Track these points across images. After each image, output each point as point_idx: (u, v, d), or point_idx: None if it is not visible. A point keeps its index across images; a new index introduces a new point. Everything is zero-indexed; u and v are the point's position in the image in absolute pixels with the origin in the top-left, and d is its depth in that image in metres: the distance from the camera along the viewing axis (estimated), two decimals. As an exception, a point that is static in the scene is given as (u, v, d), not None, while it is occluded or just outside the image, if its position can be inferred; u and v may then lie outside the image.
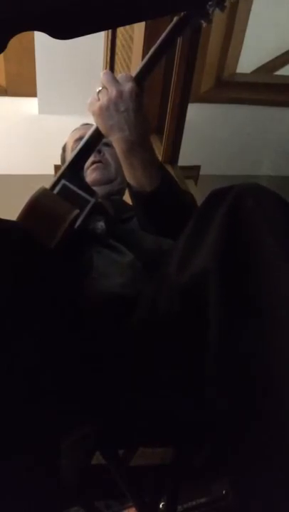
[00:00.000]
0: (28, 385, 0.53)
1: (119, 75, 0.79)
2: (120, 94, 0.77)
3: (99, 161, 1.04)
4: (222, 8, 0.78)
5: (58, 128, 1.21)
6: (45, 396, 0.55)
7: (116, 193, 1.06)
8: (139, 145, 0.79)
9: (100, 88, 0.79)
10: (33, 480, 0.53)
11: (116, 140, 0.79)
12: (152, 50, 0.81)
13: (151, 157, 0.82)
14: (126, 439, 0.73)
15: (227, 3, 0.78)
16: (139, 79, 0.80)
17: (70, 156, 1.07)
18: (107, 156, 1.05)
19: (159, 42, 0.80)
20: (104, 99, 0.78)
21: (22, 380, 0.53)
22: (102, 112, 0.78)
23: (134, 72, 0.81)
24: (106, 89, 0.78)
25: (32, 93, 2.63)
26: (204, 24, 0.80)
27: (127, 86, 0.78)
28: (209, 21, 0.79)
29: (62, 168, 0.84)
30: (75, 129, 1.16)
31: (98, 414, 0.66)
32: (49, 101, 2.58)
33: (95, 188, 0.91)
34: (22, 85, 2.72)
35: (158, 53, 0.81)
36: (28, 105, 2.65)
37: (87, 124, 1.17)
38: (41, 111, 2.63)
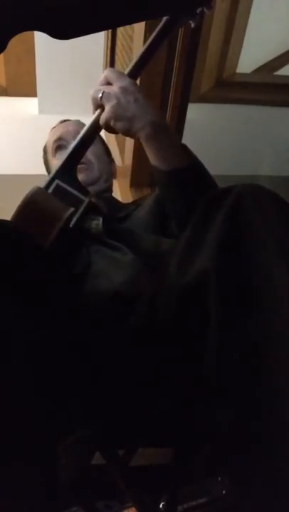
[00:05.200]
0: (28, 386, 0.53)
1: (109, 75, 0.80)
2: (123, 89, 0.78)
3: (81, 163, 1.03)
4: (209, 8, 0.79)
5: (58, 128, 1.22)
6: (45, 396, 0.55)
7: (104, 192, 1.06)
8: (163, 125, 0.80)
9: (100, 94, 0.79)
10: (33, 480, 0.53)
11: (140, 128, 0.78)
12: (144, 47, 0.82)
13: (175, 136, 0.82)
14: (126, 439, 0.73)
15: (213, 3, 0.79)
16: (132, 76, 0.81)
17: (50, 157, 1.09)
18: (90, 156, 1.04)
19: (149, 41, 0.82)
20: (111, 99, 0.77)
21: (22, 380, 0.53)
22: (116, 111, 0.77)
23: (126, 70, 0.83)
24: (104, 91, 0.78)
25: (32, 93, 2.63)
26: (192, 24, 0.82)
27: (126, 81, 0.79)
28: (201, 18, 0.81)
29: (56, 167, 0.84)
30: (53, 128, 1.15)
31: (98, 414, 0.66)
32: (49, 101, 2.58)
33: None
34: (22, 85, 2.72)
35: (149, 52, 0.82)
36: (28, 105, 2.65)
37: (65, 120, 1.17)
38: (41, 111, 2.63)
